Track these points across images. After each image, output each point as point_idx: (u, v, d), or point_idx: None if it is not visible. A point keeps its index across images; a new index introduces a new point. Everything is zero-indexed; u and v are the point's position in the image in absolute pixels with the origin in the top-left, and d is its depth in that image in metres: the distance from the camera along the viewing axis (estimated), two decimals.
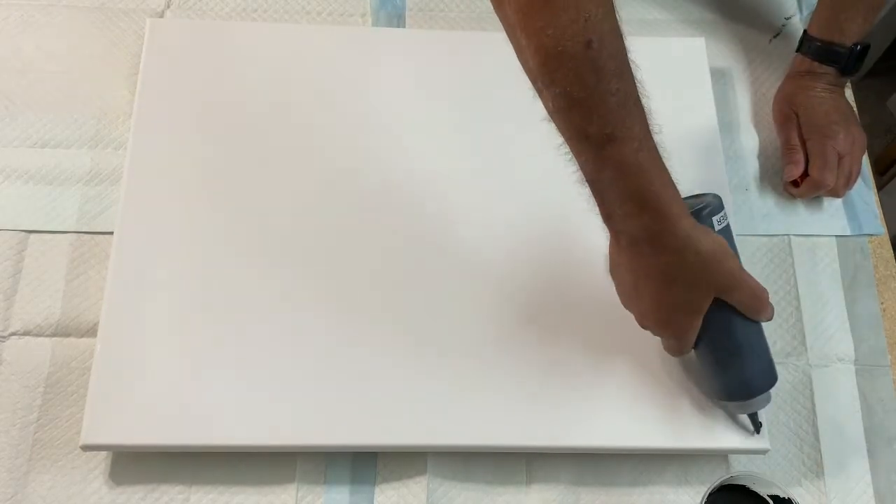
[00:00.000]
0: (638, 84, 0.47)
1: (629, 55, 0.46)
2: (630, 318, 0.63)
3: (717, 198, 0.56)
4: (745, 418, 0.60)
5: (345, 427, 0.59)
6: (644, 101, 0.47)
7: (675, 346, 0.58)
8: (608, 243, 0.53)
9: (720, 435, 0.60)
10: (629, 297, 0.56)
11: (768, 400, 0.59)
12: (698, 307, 0.53)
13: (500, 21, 0.48)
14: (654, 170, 0.48)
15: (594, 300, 0.64)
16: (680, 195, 0.50)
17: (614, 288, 0.57)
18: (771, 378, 0.58)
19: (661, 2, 0.83)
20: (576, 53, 0.43)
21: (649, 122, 0.48)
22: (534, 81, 0.47)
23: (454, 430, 0.59)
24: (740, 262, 0.54)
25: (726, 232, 0.56)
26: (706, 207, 0.54)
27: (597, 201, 0.50)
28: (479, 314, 0.63)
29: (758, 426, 0.60)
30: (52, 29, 0.76)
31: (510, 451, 0.61)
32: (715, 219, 0.54)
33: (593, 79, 0.44)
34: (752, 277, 0.54)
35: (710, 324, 0.55)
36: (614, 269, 0.55)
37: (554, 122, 0.47)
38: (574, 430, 0.60)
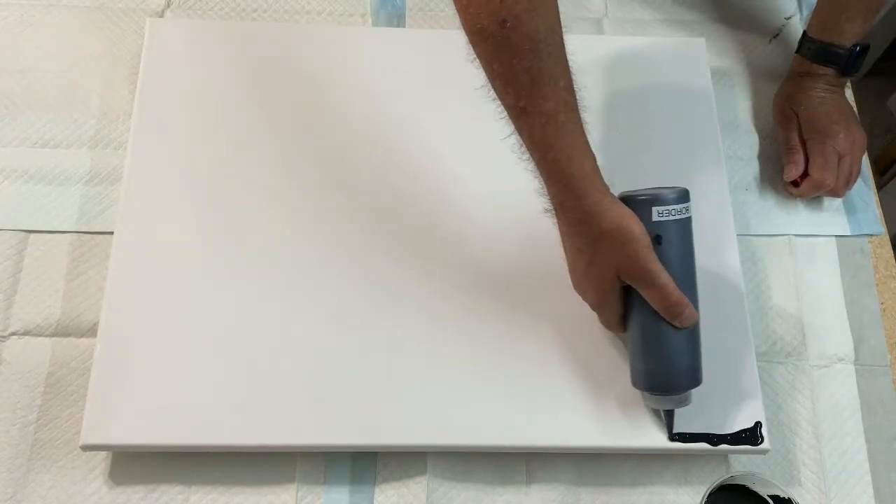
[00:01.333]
0: (559, 62, 0.49)
1: (558, 37, 0.49)
2: None
3: (678, 192, 0.55)
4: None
5: (345, 427, 0.59)
6: (564, 80, 0.49)
7: (602, 320, 0.59)
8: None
9: (720, 435, 0.60)
10: (576, 282, 0.58)
11: (684, 402, 0.57)
12: (602, 282, 0.55)
13: None
14: (561, 143, 0.50)
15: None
16: (594, 172, 0.52)
17: None
18: (689, 380, 0.57)
19: (660, 2, 0.83)
20: (492, 31, 0.47)
21: (569, 100, 0.50)
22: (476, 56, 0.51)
23: (454, 429, 0.59)
24: (654, 256, 0.53)
25: (676, 226, 0.55)
26: (646, 195, 0.54)
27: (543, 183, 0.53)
28: (480, 314, 0.63)
29: (670, 428, 0.59)
30: (52, 29, 0.76)
31: (510, 451, 0.60)
32: (658, 209, 0.54)
33: (507, 55, 0.48)
34: (666, 277, 0.53)
35: (636, 307, 0.55)
36: (567, 260, 0.58)
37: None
38: (574, 429, 0.60)
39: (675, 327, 0.55)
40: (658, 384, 0.57)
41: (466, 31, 0.49)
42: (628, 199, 0.54)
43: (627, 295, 0.56)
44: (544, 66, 0.48)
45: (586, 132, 0.52)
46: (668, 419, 0.59)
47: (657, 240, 0.54)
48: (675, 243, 0.55)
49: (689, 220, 0.56)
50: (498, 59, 0.48)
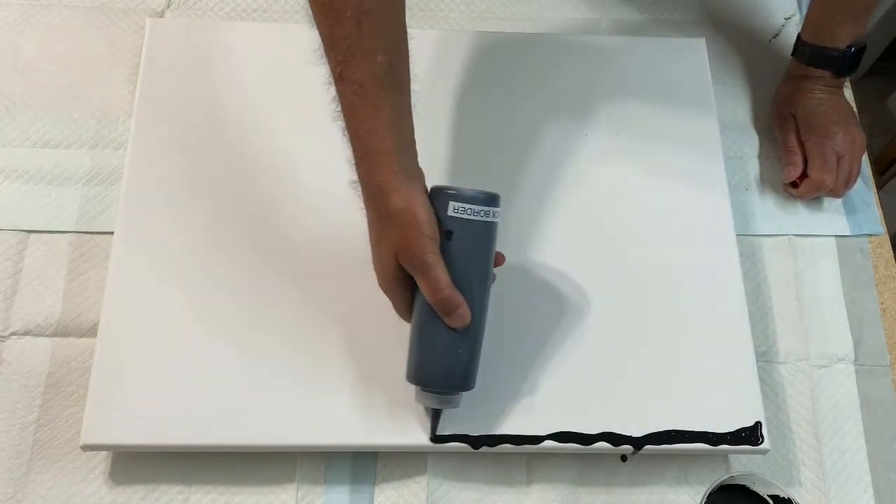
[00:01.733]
0: (381, 38, 0.50)
1: (387, 13, 0.50)
2: (635, 319, 0.63)
3: (485, 195, 0.53)
4: None
5: (345, 427, 0.59)
6: (382, 56, 0.50)
7: (393, 305, 0.56)
8: None
9: (720, 435, 0.60)
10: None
11: (450, 404, 0.56)
12: (385, 263, 0.53)
13: None
14: (365, 115, 0.50)
15: (595, 300, 0.64)
16: (396, 152, 0.51)
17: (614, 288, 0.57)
18: (456, 382, 0.55)
19: (661, 2, 0.83)
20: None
21: (382, 76, 0.50)
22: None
23: (454, 429, 0.59)
24: (435, 248, 0.51)
25: (472, 227, 0.53)
26: (451, 190, 0.53)
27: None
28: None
29: (433, 427, 0.58)
30: (52, 29, 0.76)
31: (510, 452, 0.60)
32: (455, 204, 0.52)
33: (332, 20, 0.49)
34: (441, 272, 0.52)
35: (418, 296, 0.54)
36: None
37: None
38: (575, 429, 0.60)
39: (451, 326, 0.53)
40: (422, 378, 0.55)
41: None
42: (433, 190, 0.54)
43: (415, 283, 0.54)
44: (364, 37, 0.49)
45: (412, 118, 0.53)
46: (432, 418, 0.58)
47: (448, 235, 0.52)
48: (468, 243, 0.53)
49: (490, 224, 0.54)
50: (325, 23, 0.50)
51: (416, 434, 0.59)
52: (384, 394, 0.60)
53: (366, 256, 0.64)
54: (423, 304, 0.53)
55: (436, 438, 0.58)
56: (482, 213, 0.53)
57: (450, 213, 0.53)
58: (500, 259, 0.57)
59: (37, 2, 0.77)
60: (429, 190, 0.54)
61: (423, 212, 0.51)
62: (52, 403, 0.62)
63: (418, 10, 0.80)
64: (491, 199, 0.54)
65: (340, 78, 0.50)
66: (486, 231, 0.54)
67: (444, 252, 0.52)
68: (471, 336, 0.55)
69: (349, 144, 0.52)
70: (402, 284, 0.54)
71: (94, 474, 0.60)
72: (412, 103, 0.53)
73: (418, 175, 0.53)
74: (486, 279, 0.55)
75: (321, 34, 0.51)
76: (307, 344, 0.61)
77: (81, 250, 0.67)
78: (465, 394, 0.57)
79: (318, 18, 0.50)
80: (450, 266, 0.52)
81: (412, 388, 0.56)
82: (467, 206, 0.53)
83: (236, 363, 0.60)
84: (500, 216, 0.55)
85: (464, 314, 0.53)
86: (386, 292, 0.55)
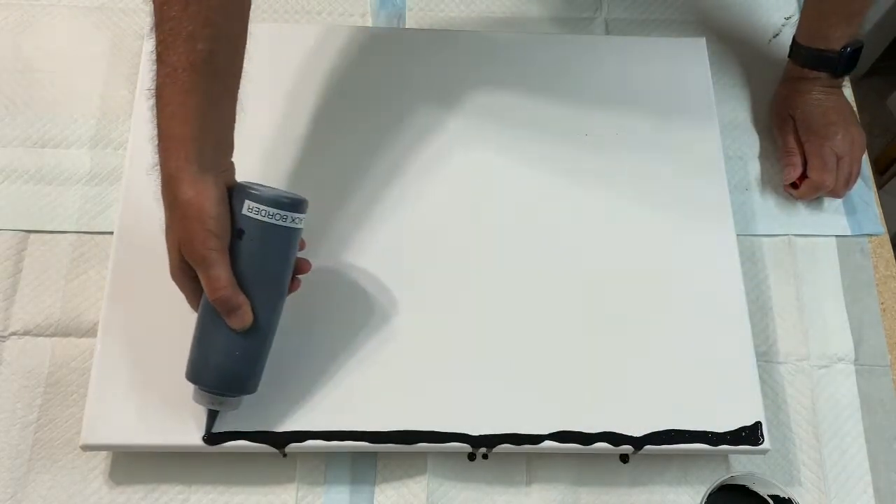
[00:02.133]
0: (206, 27, 0.49)
1: (215, 4, 0.50)
2: (635, 319, 0.63)
3: (287, 198, 0.53)
4: None
5: (344, 427, 0.59)
6: (203, 44, 0.49)
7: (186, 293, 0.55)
8: None
9: (720, 434, 0.60)
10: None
11: (226, 405, 0.55)
12: (172, 253, 0.52)
13: None
14: (170, 99, 0.50)
15: (594, 300, 0.64)
16: (195, 141, 0.50)
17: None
18: (232, 383, 0.54)
19: (661, 2, 0.83)
20: None
21: (199, 64, 0.50)
22: None
23: (455, 430, 0.59)
24: (218, 244, 0.50)
25: (266, 229, 0.52)
26: (252, 189, 0.52)
27: None
28: (479, 314, 0.63)
29: (208, 427, 0.57)
30: (52, 29, 0.76)
31: (510, 452, 0.60)
32: (250, 204, 0.51)
33: (158, 2, 0.50)
34: (223, 270, 0.50)
35: (203, 291, 0.52)
36: None
37: None
38: (575, 429, 0.60)
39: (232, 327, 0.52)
40: (197, 377, 0.54)
41: None
42: (237, 186, 0.53)
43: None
44: (187, 21, 0.49)
45: (233, 111, 0.53)
46: (208, 417, 0.57)
47: (238, 233, 0.51)
48: (259, 245, 0.52)
49: (289, 230, 0.53)
50: (156, 1, 0.50)
51: (416, 434, 0.59)
52: (385, 394, 0.60)
53: (364, 254, 0.64)
54: (206, 301, 0.52)
55: (210, 439, 0.57)
56: (278, 216, 0.52)
57: (244, 211, 0.51)
58: (304, 266, 0.57)
59: (37, 2, 0.77)
60: (235, 185, 0.53)
61: (210, 205, 0.50)
62: (52, 403, 0.62)
63: (418, 10, 0.80)
64: (293, 205, 0.53)
65: (159, 58, 0.50)
66: (282, 235, 0.53)
67: (233, 251, 0.51)
68: (254, 339, 0.54)
69: (154, 127, 0.51)
70: (189, 276, 0.52)
71: (94, 474, 0.60)
72: (238, 97, 0.53)
73: (219, 167, 0.52)
74: (279, 283, 0.54)
75: (153, 12, 0.50)
76: (306, 343, 0.61)
77: (81, 250, 0.67)
78: (464, 394, 0.57)
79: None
80: (237, 265, 0.51)
81: (412, 387, 0.56)
82: (262, 207, 0.51)
83: None
84: (305, 222, 0.54)
85: (244, 315, 0.52)
86: (174, 281, 0.54)
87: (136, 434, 0.58)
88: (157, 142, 0.51)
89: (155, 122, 0.51)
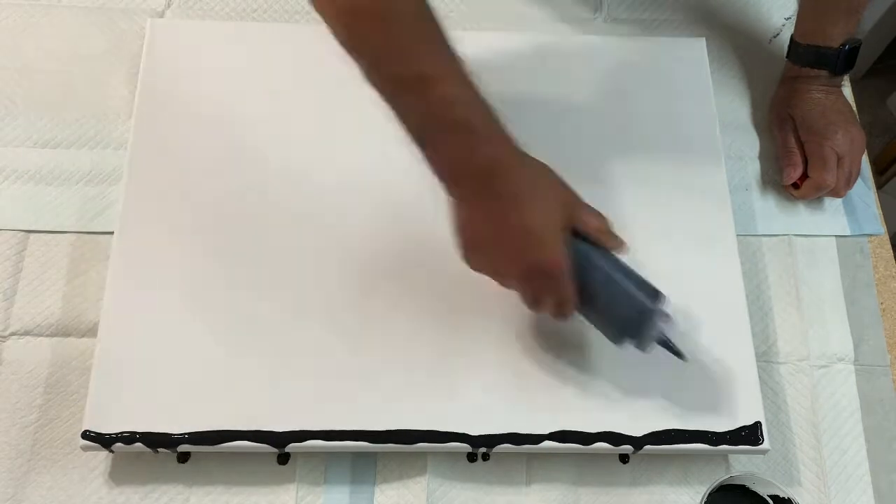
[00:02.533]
0: (440, 28, 0.48)
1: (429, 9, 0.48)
2: None
3: None
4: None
5: (344, 427, 0.59)
6: (449, 42, 0.48)
7: (556, 297, 0.53)
8: (450, 211, 0.52)
9: (720, 434, 0.60)
10: (480, 246, 0.52)
11: (667, 319, 0.55)
12: (556, 232, 0.51)
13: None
14: (476, 102, 0.48)
15: None
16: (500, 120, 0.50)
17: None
18: (647, 303, 0.54)
19: (661, 2, 0.83)
20: (371, 7, 0.46)
21: (458, 61, 0.48)
22: (344, 51, 0.49)
23: (454, 429, 0.59)
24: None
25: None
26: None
27: (427, 158, 0.49)
28: (479, 314, 0.63)
29: (678, 352, 0.57)
30: (52, 29, 0.76)
31: (510, 452, 0.60)
32: None
33: (395, 27, 0.46)
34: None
35: (579, 270, 0.52)
36: (458, 229, 0.52)
37: (371, 86, 0.49)
38: (575, 429, 0.60)
39: (611, 258, 0.54)
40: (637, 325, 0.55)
41: (338, 15, 0.48)
42: None
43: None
44: (430, 30, 0.48)
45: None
46: (669, 348, 0.57)
47: None
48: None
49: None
50: (383, 34, 0.47)
51: (416, 434, 0.59)
52: (385, 394, 0.60)
53: (364, 254, 0.64)
54: (594, 257, 0.52)
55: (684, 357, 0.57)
56: None
57: None
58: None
59: (37, 2, 0.77)
60: None
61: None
62: (52, 403, 0.62)
63: None
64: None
65: (428, 80, 0.47)
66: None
67: None
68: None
69: (461, 144, 0.48)
70: (567, 259, 0.51)
71: (94, 474, 0.60)
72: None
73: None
74: None
75: (382, 51, 0.47)
76: (307, 344, 0.61)
77: (81, 250, 0.67)
78: (464, 394, 0.58)
79: (372, 36, 0.47)
80: None
81: (412, 387, 0.56)
82: None
83: (236, 363, 0.60)
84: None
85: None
86: (559, 278, 0.51)
87: (136, 434, 0.57)
88: (481, 147, 0.49)
89: (460, 128, 0.48)
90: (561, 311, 0.54)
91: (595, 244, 0.54)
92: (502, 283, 0.55)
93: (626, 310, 0.54)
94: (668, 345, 0.57)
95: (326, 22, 0.48)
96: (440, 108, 0.48)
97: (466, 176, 0.50)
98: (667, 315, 0.55)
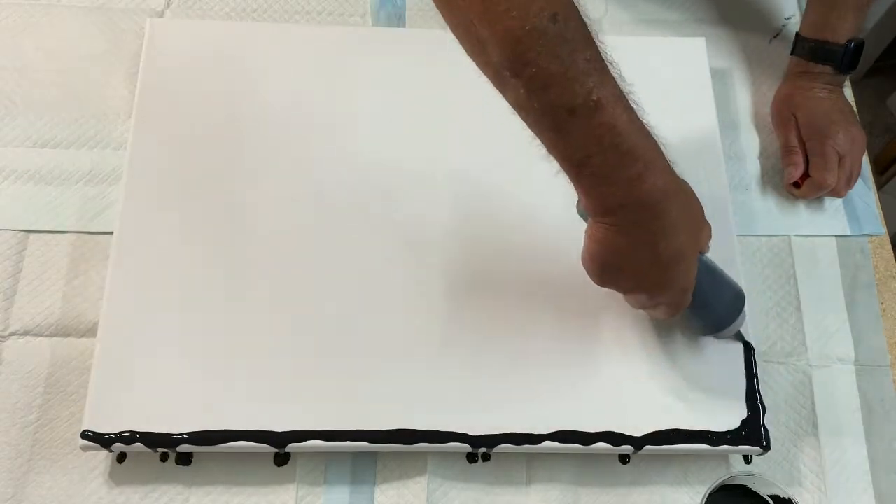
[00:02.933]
0: (602, 50, 0.47)
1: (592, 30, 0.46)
2: (635, 319, 0.63)
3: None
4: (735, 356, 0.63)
5: (344, 427, 0.59)
6: (610, 67, 0.47)
7: (676, 304, 0.55)
8: (588, 235, 0.52)
9: (720, 434, 0.60)
10: (622, 269, 0.52)
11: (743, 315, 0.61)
12: (696, 256, 0.54)
13: (448, 19, 0.48)
14: (642, 129, 0.48)
15: (595, 300, 0.64)
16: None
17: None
18: (740, 297, 0.60)
19: (661, 2, 0.83)
20: (545, 28, 0.43)
21: (620, 85, 0.47)
22: (498, 73, 0.46)
23: (454, 429, 0.59)
24: None
25: None
26: None
27: (585, 185, 0.48)
28: (480, 314, 0.63)
29: (745, 342, 0.63)
30: (52, 29, 0.76)
31: (510, 452, 0.60)
32: None
33: (566, 50, 0.44)
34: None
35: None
36: (600, 253, 0.52)
37: (526, 111, 0.47)
38: (573, 431, 0.60)
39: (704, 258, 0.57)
40: (730, 315, 0.60)
41: (508, 43, 0.44)
42: None
43: None
44: (597, 54, 0.45)
45: None
46: (740, 338, 0.63)
47: None
48: None
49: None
50: (555, 59, 0.44)
51: (416, 434, 0.59)
52: (386, 394, 0.60)
53: (364, 254, 0.64)
54: (709, 266, 0.57)
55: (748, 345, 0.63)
56: None
57: None
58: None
59: (37, 2, 0.77)
60: None
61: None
62: (52, 403, 0.62)
63: (418, 10, 0.80)
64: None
65: (598, 106, 0.45)
66: None
67: None
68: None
69: (629, 166, 0.47)
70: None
71: (94, 474, 0.60)
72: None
73: None
74: None
75: (551, 76, 0.44)
76: (308, 344, 0.61)
77: (81, 250, 0.67)
78: (464, 394, 0.58)
79: (542, 60, 0.44)
80: None
81: (412, 388, 0.56)
82: None
83: (236, 363, 0.60)
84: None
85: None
86: (690, 284, 0.54)
87: (136, 434, 0.57)
88: (650, 172, 0.47)
89: (632, 155, 0.47)
90: (672, 312, 0.56)
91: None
92: (627, 296, 0.57)
93: (728, 300, 0.59)
94: (741, 337, 0.63)
95: (482, 42, 0.45)
96: (609, 136, 0.46)
97: (628, 206, 0.48)
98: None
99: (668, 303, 0.55)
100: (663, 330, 0.63)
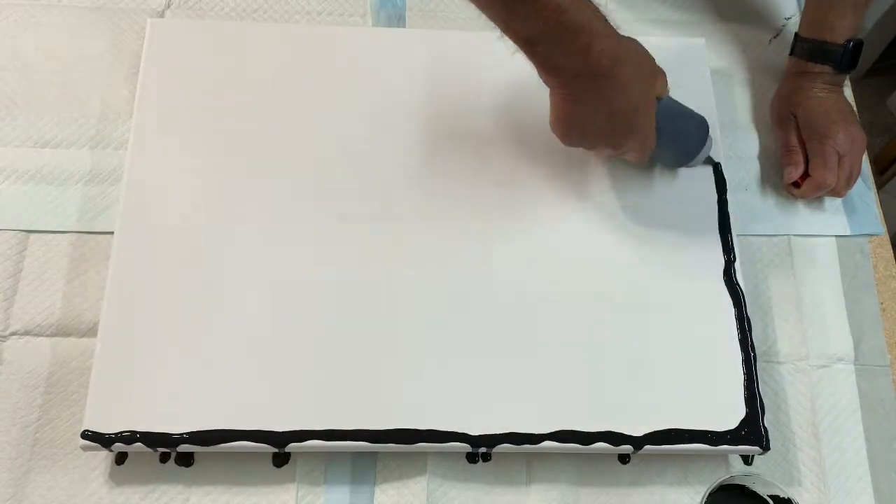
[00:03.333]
0: None
1: None
2: (635, 319, 0.63)
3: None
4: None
5: (344, 427, 0.59)
6: None
7: (642, 149, 0.61)
8: (551, 103, 0.57)
9: (720, 434, 0.60)
10: (585, 130, 0.59)
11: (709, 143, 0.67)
12: (652, 103, 0.59)
13: None
14: (584, 4, 0.53)
15: (594, 300, 0.64)
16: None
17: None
18: (703, 126, 0.66)
19: (662, 2, 0.83)
20: None
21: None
22: None
23: (455, 429, 0.59)
24: None
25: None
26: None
27: (539, 61, 0.54)
28: (480, 314, 0.63)
29: (715, 163, 0.70)
30: (52, 29, 0.76)
31: (510, 452, 0.60)
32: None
33: None
34: None
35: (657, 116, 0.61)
36: (562, 119, 0.58)
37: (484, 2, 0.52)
38: (573, 431, 0.60)
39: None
40: (699, 144, 0.66)
41: None
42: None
43: None
44: None
45: None
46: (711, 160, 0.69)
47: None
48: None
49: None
50: None
51: (415, 433, 0.59)
52: (386, 394, 0.60)
53: (364, 254, 0.64)
54: (670, 106, 0.63)
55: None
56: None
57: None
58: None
59: (37, 2, 0.77)
60: None
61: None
62: (52, 403, 0.62)
63: (418, 10, 0.80)
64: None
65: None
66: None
67: None
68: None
69: (576, 41, 0.52)
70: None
71: (94, 474, 0.60)
72: None
73: None
74: None
75: None
76: (309, 345, 0.61)
77: (81, 250, 0.67)
78: (464, 393, 0.58)
79: None
80: None
81: (412, 387, 0.56)
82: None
83: (237, 363, 0.60)
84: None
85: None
86: (651, 131, 0.60)
87: (136, 434, 0.57)
88: (600, 40, 0.53)
89: (578, 31, 0.52)
90: (640, 156, 0.62)
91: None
92: (592, 151, 0.63)
93: (693, 132, 0.65)
94: (710, 158, 0.69)
95: None
96: (554, 15, 0.51)
97: (581, 74, 0.54)
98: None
99: (633, 149, 0.61)
100: (663, 331, 0.63)
